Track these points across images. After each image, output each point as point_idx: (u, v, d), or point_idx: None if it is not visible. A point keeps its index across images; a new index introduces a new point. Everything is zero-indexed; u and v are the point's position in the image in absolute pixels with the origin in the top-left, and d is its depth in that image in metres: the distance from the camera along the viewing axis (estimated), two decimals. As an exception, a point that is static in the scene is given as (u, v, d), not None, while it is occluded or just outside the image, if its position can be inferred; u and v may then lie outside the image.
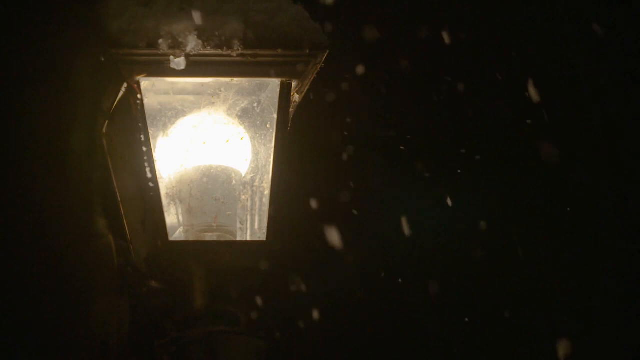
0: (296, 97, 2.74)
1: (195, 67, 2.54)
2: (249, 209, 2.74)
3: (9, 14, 2.64)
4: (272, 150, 2.65)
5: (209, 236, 2.64)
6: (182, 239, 2.66)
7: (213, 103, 2.67)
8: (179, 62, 2.52)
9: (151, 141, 2.61)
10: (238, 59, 2.54)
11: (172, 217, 2.67)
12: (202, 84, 2.66)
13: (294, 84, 2.65)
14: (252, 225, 2.75)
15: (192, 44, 2.51)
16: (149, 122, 2.61)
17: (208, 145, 2.64)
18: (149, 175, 2.59)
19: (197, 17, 2.54)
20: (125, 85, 2.61)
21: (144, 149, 2.59)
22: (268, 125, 2.70)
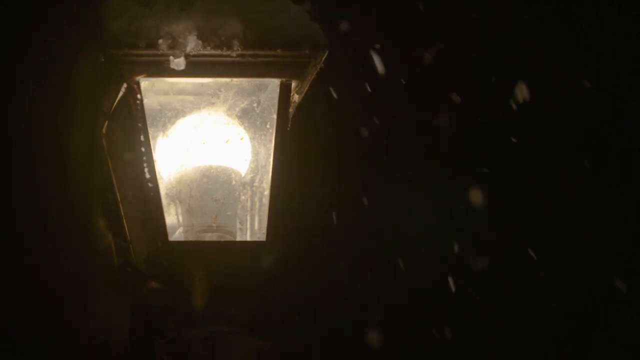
0: (296, 97, 2.74)
1: (195, 67, 2.54)
2: (248, 209, 2.74)
3: (9, 14, 2.64)
4: (272, 150, 2.65)
5: (209, 236, 2.64)
6: (182, 239, 2.66)
7: (213, 103, 2.67)
8: (179, 62, 2.52)
9: (151, 141, 2.61)
10: (238, 59, 2.54)
11: (172, 217, 2.67)
12: (202, 84, 2.66)
13: (293, 84, 2.65)
14: (252, 226, 2.75)
15: (192, 44, 2.52)
16: (148, 122, 2.61)
17: (208, 146, 2.64)
18: (149, 175, 2.60)
19: (197, 17, 2.54)
20: (125, 85, 2.61)
21: (144, 149, 2.59)
22: (268, 126, 2.70)
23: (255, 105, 2.73)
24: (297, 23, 2.59)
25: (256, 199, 2.74)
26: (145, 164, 2.60)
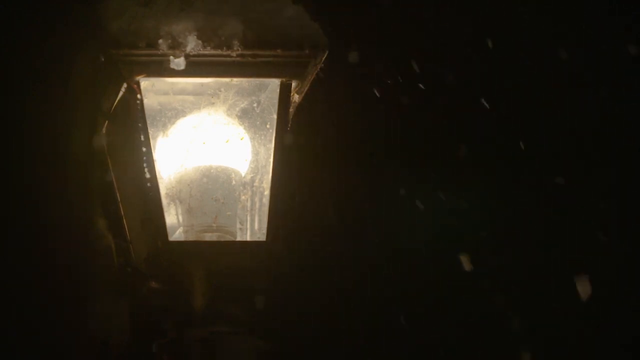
0: (296, 97, 2.74)
1: (195, 67, 2.55)
2: (248, 209, 2.74)
3: (9, 14, 2.64)
4: (272, 150, 2.65)
5: (209, 236, 2.65)
6: (182, 239, 2.66)
7: (213, 103, 2.67)
8: (179, 62, 2.52)
9: (151, 141, 2.61)
10: (238, 59, 2.54)
11: (172, 217, 2.67)
12: (202, 84, 2.66)
13: (293, 84, 2.65)
14: (252, 226, 2.75)
15: (192, 44, 2.52)
16: (149, 122, 2.61)
17: (208, 146, 2.65)
18: (149, 175, 2.60)
19: (197, 17, 2.54)
20: (125, 85, 2.61)
21: (144, 149, 2.59)
22: (268, 126, 2.71)
23: (255, 105, 2.73)
24: (297, 23, 2.59)
25: (256, 199, 2.74)
26: (145, 164, 2.60)
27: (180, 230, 2.68)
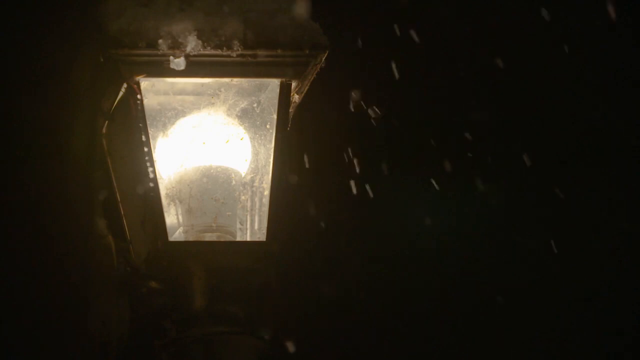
0: (296, 98, 2.74)
1: (195, 68, 2.54)
2: (248, 209, 2.74)
3: (9, 13, 2.64)
4: (272, 150, 2.65)
5: (209, 236, 2.64)
6: (182, 239, 2.66)
7: (213, 103, 2.67)
8: (179, 63, 2.52)
9: (151, 141, 2.60)
10: (238, 59, 2.54)
11: (172, 217, 2.67)
12: (202, 84, 2.66)
13: (293, 84, 2.65)
14: (252, 226, 2.75)
15: (192, 44, 2.52)
16: (148, 122, 2.61)
17: (208, 146, 2.64)
18: (149, 175, 2.59)
19: (197, 17, 2.54)
20: (125, 85, 2.60)
21: (144, 149, 2.59)
22: (268, 126, 2.71)
23: (255, 105, 2.73)
24: (297, 23, 2.59)
25: (256, 199, 2.74)
26: (145, 164, 2.59)
27: (180, 230, 2.68)
